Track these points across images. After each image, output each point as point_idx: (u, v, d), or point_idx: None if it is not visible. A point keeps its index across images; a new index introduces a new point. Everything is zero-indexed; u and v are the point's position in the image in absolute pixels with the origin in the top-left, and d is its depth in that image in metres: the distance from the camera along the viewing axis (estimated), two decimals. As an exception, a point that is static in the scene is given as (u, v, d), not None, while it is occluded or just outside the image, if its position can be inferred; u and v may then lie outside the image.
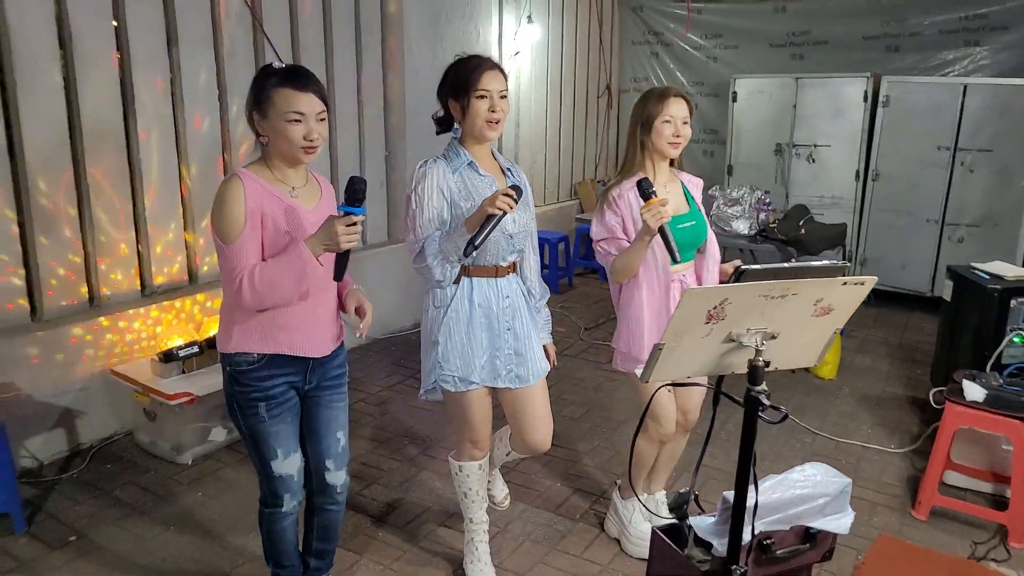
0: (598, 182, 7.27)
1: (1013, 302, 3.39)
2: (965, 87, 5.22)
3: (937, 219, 5.46)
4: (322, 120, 1.84)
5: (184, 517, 2.83)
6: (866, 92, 5.55)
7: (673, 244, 2.06)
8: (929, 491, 2.88)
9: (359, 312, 2.00)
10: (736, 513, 1.55)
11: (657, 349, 1.48)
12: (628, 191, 2.30)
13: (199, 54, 3.70)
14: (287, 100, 1.78)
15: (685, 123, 2.29)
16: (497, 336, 2.21)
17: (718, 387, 1.59)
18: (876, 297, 5.48)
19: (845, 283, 1.49)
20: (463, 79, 2.08)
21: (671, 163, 2.40)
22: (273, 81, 1.79)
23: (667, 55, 7.15)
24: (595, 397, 4.02)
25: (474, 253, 2.01)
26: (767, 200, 5.17)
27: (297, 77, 1.81)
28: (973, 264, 3.75)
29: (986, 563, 2.61)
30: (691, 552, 1.72)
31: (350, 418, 2.20)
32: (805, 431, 3.61)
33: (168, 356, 3.23)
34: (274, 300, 1.83)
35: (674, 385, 2.32)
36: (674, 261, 2.11)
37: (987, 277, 3.55)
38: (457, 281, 2.17)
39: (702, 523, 1.67)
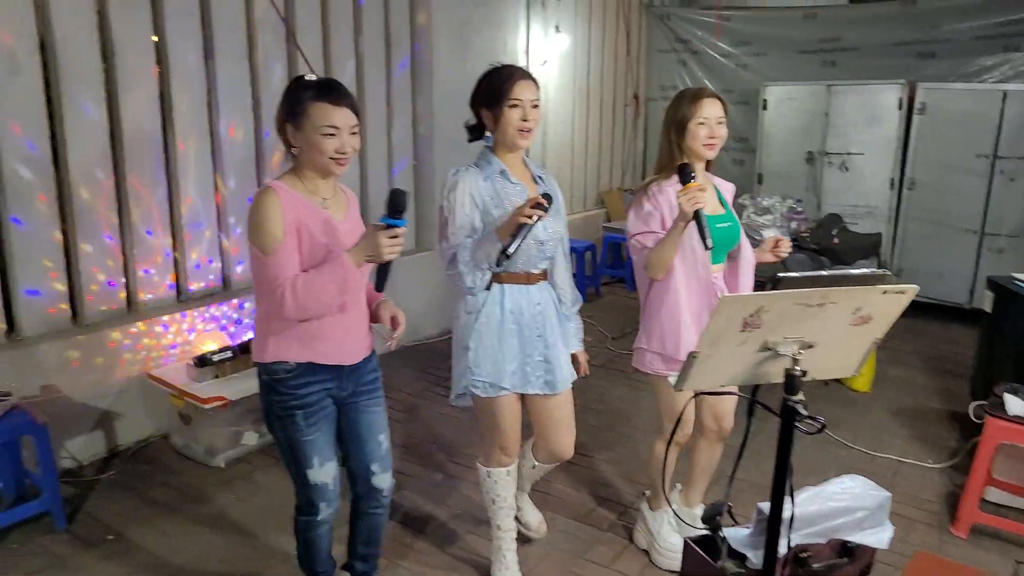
0: (625, 191, 7.25)
1: (1056, 314, 3.30)
2: (1005, 94, 5.10)
3: (976, 229, 5.33)
4: (354, 133, 1.87)
5: (217, 518, 2.88)
6: (901, 99, 5.45)
7: (706, 230, 2.05)
8: (969, 508, 2.80)
9: (393, 323, 2.02)
10: (772, 525, 1.52)
11: (692, 357, 1.46)
12: (668, 187, 2.28)
13: (235, 66, 3.78)
14: (323, 114, 1.81)
15: (720, 123, 2.26)
16: (528, 343, 2.22)
17: (753, 397, 1.57)
18: (912, 308, 5.34)
19: (885, 291, 1.46)
20: (496, 88, 2.10)
21: (707, 166, 2.38)
22: (309, 94, 1.82)
23: (695, 63, 7.11)
24: (621, 407, 3.99)
25: (506, 262, 2.03)
26: (799, 209, 5.10)
27: (332, 91, 1.84)
28: (1015, 275, 3.66)
29: (1030, 582, 2.54)
30: (725, 564, 1.70)
31: (379, 424, 2.21)
32: (839, 444, 3.54)
33: (202, 360, 3.28)
34: (316, 310, 1.85)
35: (704, 394, 2.29)
36: (706, 247, 2.08)
37: (1029, 288, 3.46)
38: (489, 287, 2.18)
39: (737, 535, 1.65)
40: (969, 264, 5.38)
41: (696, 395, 2.34)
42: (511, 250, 1.95)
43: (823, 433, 3.46)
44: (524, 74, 2.14)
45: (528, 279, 2.22)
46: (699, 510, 2.63)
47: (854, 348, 1.58)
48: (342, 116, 1.83)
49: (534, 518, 2.69)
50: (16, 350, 3.07)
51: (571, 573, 2.58)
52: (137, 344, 3.42)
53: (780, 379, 1.52)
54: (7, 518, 2.68)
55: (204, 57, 3.66)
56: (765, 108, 6.09)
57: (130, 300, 3.52)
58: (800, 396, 1.48)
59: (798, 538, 1.58)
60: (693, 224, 2.10)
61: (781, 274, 1.43)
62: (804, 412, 1.46)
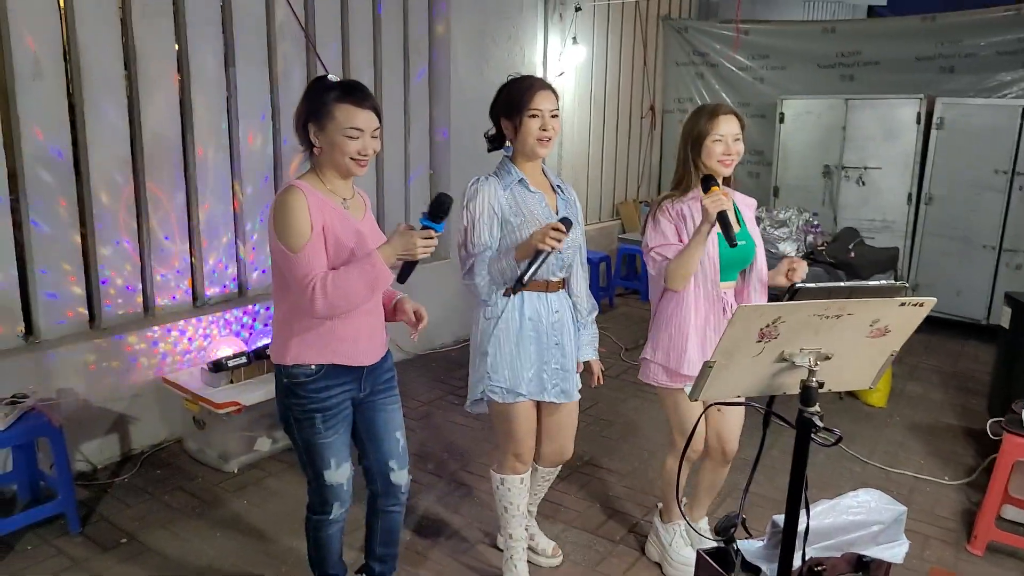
0: (640, 202, 7.24)
1: (1077, 331, 3.25)
2: (1024, 109, 5.07)
3: (994, 245, 5.27)
4: (375, 136, 1.89)
5: (230, 523, 2.89)
6: (919, 113, 5.42)
7: (732, 229, 2.06)
8: (986, 525, 2.76)
9: (417, 316, 2.05)
10: (787, 537, 1.51)
11: (707, 367, 1.46)
12: (683, 203, 2.29)
13: (254, 74, 3.83)
14: (347, 115, 1.82)
15: (737, 140, 2.26)
16: (545, 350, 2.23)
17: (768, 408, 1.55)
18: (928, 324, 5.29)
19: (903, 304, 1.45)
20: (516, 98, 2.12)
21: (726, 181, 2.37)
22: (333, 95, 1.83)
23: (712, 76, 7.11)
24: (633, 418, 3.97)
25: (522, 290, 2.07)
26: (815, 222, 5.07)
27: (357, 92, 1.86)
28: (1033, 291, 3.62)
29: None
30: (738, 577, 1.68)
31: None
32: (854, 459, 3.50)
33: (217, 366, 3.31)
34: (346, 307, 1.85)
35: (712, 405, 2.28)
36: (732, 245, 2.08)
37: (1049, 304, 3.42)
38: (508, 295, 2.20)
39: (751, 547, 1.64)
40: (987, 280, 5.32)
41: (707, 408, 2.33)
42: (527, 278, 2.01)
43: (838, 448, 3.44)
44: (544, 84, 2.16)
45: (547, 287, 2.23)
46: (703, 523, 2.62)
47: (871, 360, 1.57)
48: (366, 118, 1.85)
49: (548, 544, 2.67)
50: (34, 353, 3.11)
51: (582, 584, 2.56)
52: (153, 348, 3.45)
53: (796, 390, 1.51)
54: (22, 520, 2.70)
55: (224, 65, 3.71)
56: (782, 121, 6.07)
57: (147, 304, 3.56)
58: (816, 408, 1.46)
59: (813, 551, 1.56)
60: (711, 236, 2.10)
61: (798, 284, 1.42)
62: (820, 424, 1.45)
